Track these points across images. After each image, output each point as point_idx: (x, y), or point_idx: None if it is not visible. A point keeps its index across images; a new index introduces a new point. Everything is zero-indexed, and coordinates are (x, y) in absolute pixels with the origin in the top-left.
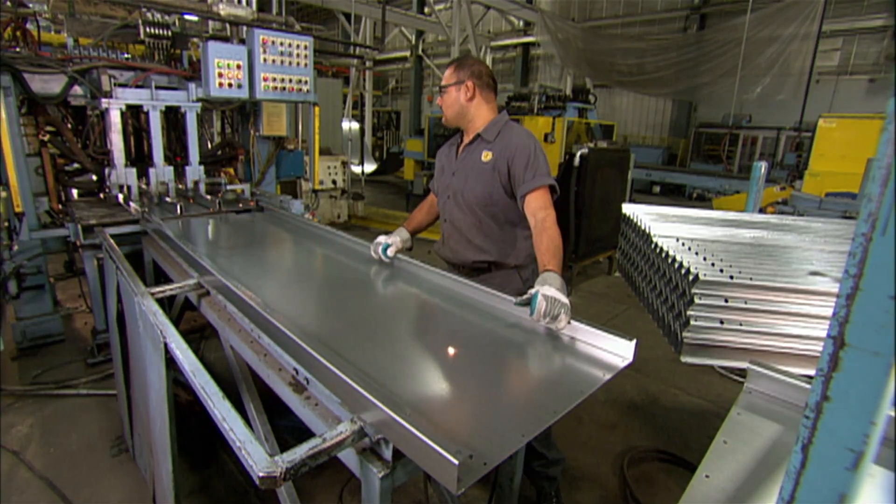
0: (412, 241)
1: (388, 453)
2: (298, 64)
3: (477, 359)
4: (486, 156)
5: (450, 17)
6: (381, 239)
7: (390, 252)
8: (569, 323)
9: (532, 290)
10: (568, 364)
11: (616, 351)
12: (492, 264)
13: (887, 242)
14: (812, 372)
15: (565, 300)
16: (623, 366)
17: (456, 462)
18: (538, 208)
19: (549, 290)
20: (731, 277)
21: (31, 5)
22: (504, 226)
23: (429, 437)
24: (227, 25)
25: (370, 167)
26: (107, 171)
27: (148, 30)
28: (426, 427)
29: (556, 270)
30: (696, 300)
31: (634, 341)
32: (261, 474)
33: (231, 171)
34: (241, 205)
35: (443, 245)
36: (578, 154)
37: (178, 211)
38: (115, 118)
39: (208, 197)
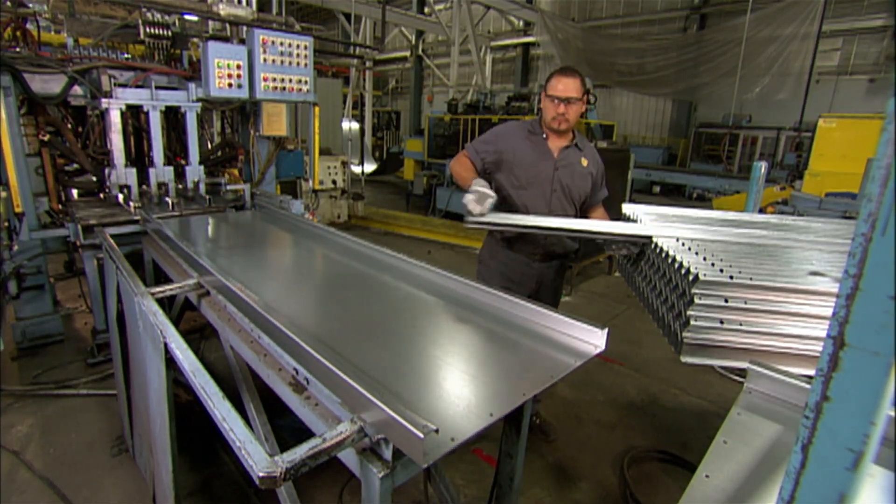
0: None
1: (388, 453)
2: (298, 64)
3: (457, 347)
4: (584, 161)
5: (450, 17)
6: (491, 192)
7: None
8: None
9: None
10: (542, 351)
11: (589, 340)
12: (563, 254)
13: (887, 242)
14: (812, 372)
15: None
16: (595, 353)
17: (421, 436)
18: (604, 209)
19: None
20: (731, 277)
21: (31, 5)
22: None
23: (397, 413)
24: (227, 25)
25: (370, 167)
26: (107, 171)
27: (148, 30)
28: (399, 407)
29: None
30: (696, 300)
31: (606, 330)
32: (261, 474)
33: (235, 171)
34: (233, 204)
35: (525, 236)
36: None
37: (171, 207)
38: (115, 118)
39: (207, 197)
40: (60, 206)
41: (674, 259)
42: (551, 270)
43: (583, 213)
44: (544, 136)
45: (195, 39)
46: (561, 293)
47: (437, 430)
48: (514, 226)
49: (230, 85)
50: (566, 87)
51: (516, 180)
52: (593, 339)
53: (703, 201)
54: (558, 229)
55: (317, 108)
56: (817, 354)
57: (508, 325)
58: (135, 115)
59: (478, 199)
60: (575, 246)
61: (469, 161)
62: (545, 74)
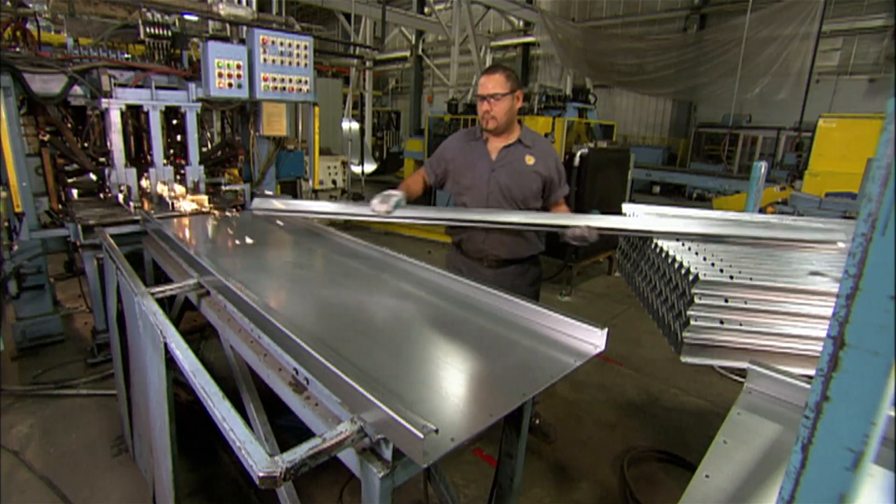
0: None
1: (388, 453)
2: (298, 64)
3: (456, 347)
4: (530, 160)
5: (450, 17)
6: (397, 193)
7: (402, 205)
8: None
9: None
10: (542, 351)
11: (588, 339)
12: (514, 259)
13: (887, 242)
14: (812, 372)
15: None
16: (595, 353)
17: (421, 436)
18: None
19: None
20: (731, 277)
21: (31, 5)
22: None
23: (397, 413)
24: (227, 25)
25: (370, 167)
26: (107, 171)
27: (148, 30)
28: (399, 407)
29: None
30: (696, 300)
31: (606, 330)
32: (261, 474)
33: (235, 171)
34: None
35: (469, 239)
36: (578, 154)
37: (171, 207)
38: (115, 118)
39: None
40: (60, 206)
41: (674, 259)
42: (510, 277)
43: (552, 206)
44: (484, 138)
45: (195, 39)
46: (531, 296)
47: (436, 431)
48: (428, 217)
49: (230, 85)
50: (489, 84)
51: (457, 186)
52: (593, 339)
53: (703, 201)
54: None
55: (317, 108)
56: (817, 354)
57: (508, 324)
58: (135, 115)
59: (382, 199)
60: (531, 251)
61: (423, 175)
62: (545, 74)
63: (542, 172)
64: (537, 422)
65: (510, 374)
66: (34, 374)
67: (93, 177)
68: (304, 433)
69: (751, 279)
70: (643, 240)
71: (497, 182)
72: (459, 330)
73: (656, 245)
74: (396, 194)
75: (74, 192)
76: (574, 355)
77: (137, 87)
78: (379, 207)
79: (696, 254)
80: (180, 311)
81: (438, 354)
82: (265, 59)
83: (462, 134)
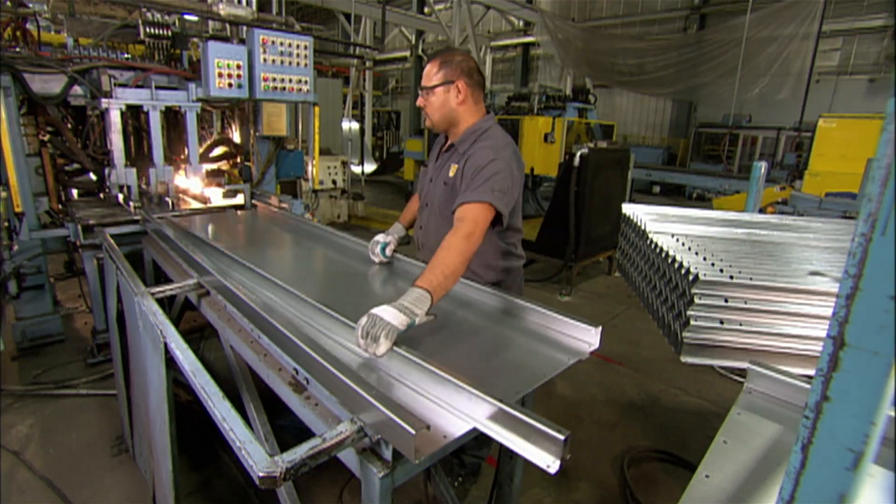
0: (407, 234)
1: (388, 453)
2: (298, 64)
3: (451, 345)
4: (453, 169)
5: (450, 17)
6: (379, 238)
7: (388, 251)
8: (390, 349)
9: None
10: (536, 349)
11: (583, 338)
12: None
13: (887, 242)
14: (812, 372)
15: (393, 321)
16: (589, 351)
17: (413, 432)
18: (461, 218)
19: (382, 308)
20: (731, 277)
21: (31, 5)
22: None
23: (390, 409)
24: (227, 25)
25: (370, 167)
26: (107, 171)
27: (148, 30)
28: (392, 404)
29: (424, 286)
30: (696, 300)
31: (600, 328)
32: (261, 474)
33: (235, 171)
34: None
35: (419, 251)
36: (578, 154)
37: (171, 207)
38: (115, 118)
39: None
40: (60, 206)
41: (674, 259)
42: None
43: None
44: (444, 140)
45: (195, 39)
46: None
47: (428, 427)
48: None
49: (230, 85)
50: (423, 75)
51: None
52: (587, 338)
53: (703, 201)
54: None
55: (317, 108)
56: (817, 354)
57: (502, 322)
58: (135, 115)
59: (371, 249)
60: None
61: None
62: (545, 74)
63: (455, 183)
64: None
65: (504, 372)
66: (34, 374)
67: (93, 177)
68: (304, 433)
69: (751, 279)
70: (642, 238)
71: (429, 196)
72: (453, 328)
73: (656, 245)
74: (378, 241)
75: (74, 192)
76: (568, 353)
77: (137, 87)
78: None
79: (696, 254)
80: (180, 311)
81: (432, 351)
82: (265, 59)
83: (442, 135)
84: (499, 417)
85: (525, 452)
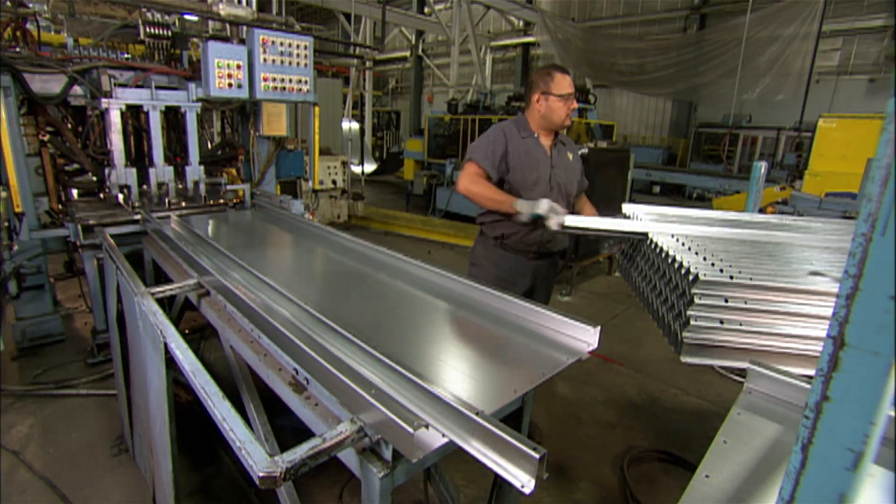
0: None
1: (388, 453)
2: (298, 64)
3: (452, 345)
4: (570, 156)
5: (450, 17)
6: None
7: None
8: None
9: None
10: (535, 349)
11: (582, 337)
12: (557, 252)
13: (887, 242)
14: (812, 372)
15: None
16: (587, 350)
17: (411, 430)
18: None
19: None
20: (731, 277)
21: (31, 5)
22: None
23: (388, 408)
24: (227, 25)
25: (370, 167)
26: (107, 171)
27: (148, 30)
28: (391, 403)
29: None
30: (696, 300)
31: (598, 328)
32: (261, 474)
33: (234, 171)
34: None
35: (528, 234)
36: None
37: (168, 206)
38: (115, 118)
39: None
40: (60, 206)
41: (674, 259)
42: (545, 267)
43: (572, 205)
44: (535, 135)
45: (195, 39)
46: (553, 287)
47: (427, 426)
48: (591, 229)
49: (230, 85)
50: (570, 84)
51: (523, 182)
52: (586, 337)
53: (703, 201)
54: (630, 232)
55: (317, 108)
56: (817, 354)
57: (503, 323)
58: (135, 115)
59: (551, 209)
60: (566, 244)
61: (485, 176)
62: None
63: (577, 168)
64: None
65: (503, 371)
66: (34, 374)
67: (93, 177)
68: (304, 433)
69: (751, 279)
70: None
71: (556, 180)
72: (453, 327)
73: (656, 245)
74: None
75: (74, 192)
76: (567, 353)
77: (137, 87)
78: (557, 222)
79: (696, 254)
80: (180, 311)
81: (431, 352)
82: (265, 59)
83: (511, 129)
84: (475, 431)
85: (499, 470)
